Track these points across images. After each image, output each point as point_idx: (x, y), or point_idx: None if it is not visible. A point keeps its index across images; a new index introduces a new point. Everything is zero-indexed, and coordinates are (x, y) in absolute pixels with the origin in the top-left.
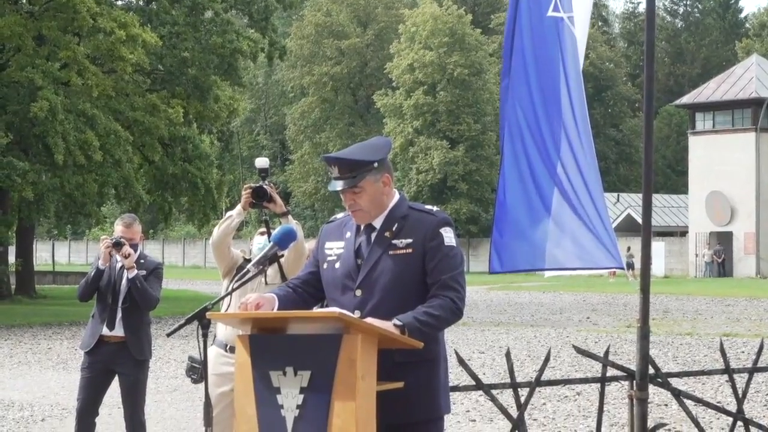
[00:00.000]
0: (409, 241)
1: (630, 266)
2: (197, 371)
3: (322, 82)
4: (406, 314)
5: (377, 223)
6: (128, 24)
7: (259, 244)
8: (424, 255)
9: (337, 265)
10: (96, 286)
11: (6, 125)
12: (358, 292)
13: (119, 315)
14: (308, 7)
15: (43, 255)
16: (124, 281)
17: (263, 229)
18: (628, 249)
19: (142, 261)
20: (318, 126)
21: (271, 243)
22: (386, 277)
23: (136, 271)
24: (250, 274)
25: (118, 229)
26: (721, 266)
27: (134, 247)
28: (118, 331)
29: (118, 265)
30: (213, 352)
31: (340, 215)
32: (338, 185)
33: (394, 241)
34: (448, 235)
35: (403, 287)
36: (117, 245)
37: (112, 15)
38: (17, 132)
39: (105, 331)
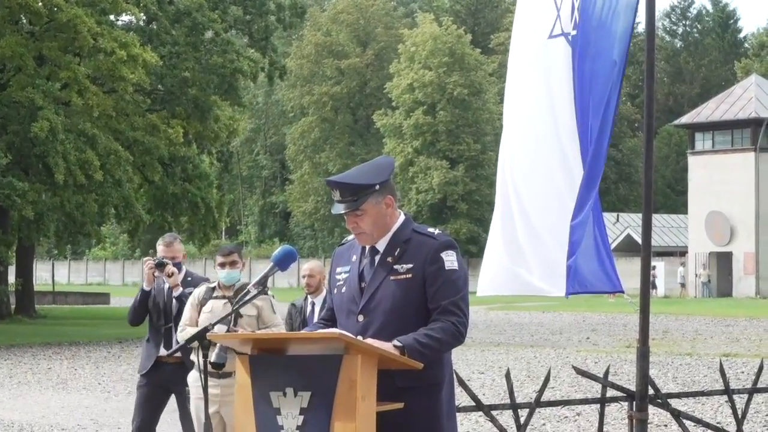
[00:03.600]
0: (410, 266)
1: (653, 286)
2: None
3: (321, 101)
4: (407, 336)
5: (381, 246)
6: (129, 44)
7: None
8: (425, 280)
9: (343, 290)
10: (144, 308)
11: (6, 145)
12: (361, 318)
13: (175, 336)
14: (308, 27)
15: (42, 275)
16: (174, 301)
17: (221, 260)
18: (653, 268)
19: (188, 279)
20: (318, 146)
21: (272, 264)
22: (388, 303)
23: (181, 289)
24: (250, 295)
25: (160, 249)
26: (706, 286)
27: (178, 265)
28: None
29: (166, 285)
30: (194, 375)
31: (350, 237)
32: (340, 208)
33: (396, 266)
34: (450, 259)
35: (405, 312)
36: (160, 266)
37: (112, 35)
38: (18, 152)
39: (162, 352)
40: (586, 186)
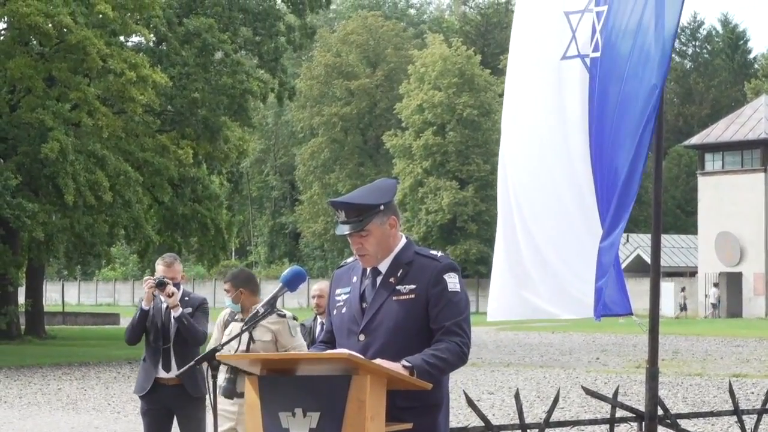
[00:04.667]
0: (413, 287)
1: (683, 308)
2: (232, 381)
3: (331, 122)
4: (414, 356)
5: (383, 267)
6: (138, 65)
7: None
8: (428, 301)
9: (344, 310)
10: (142, 327)
11: (16, 166)
12: (362, 337)
13: (173, 357)
14: (318, 48)
15: (52, 296)
16: (172, 321)
17: (225, 288)
18: (683, 290)
19: (186, 299)
20: (327, 166)
21: (281, 284)
22: (389, 323)
23: (180, 309)
24: (260, 315)
25: (159, 269)
26: (715, 307)
27: (177, 286)
28: (175, 373)
29: (164, 305)
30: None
31: (350, 260)
32: (345, 229)
33: (398, 287)
34: (453, 281)
35: (406, 332)
36: (160, 285)
37: (122, 56)
38: (27, 173)
39: (161, 373)
40: (618, 208)
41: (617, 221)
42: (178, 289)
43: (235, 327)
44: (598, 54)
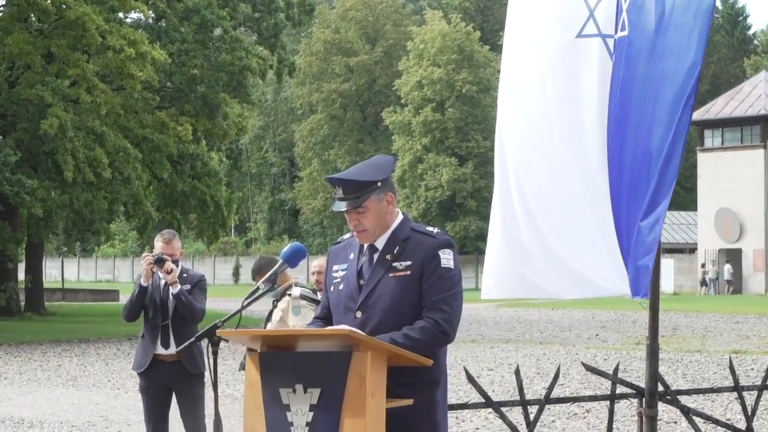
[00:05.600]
0: (409, 263)
1: (703, 283)
2: None
3: (330, 99)
4: (384, 335)
5: (380, 244)
6: (137, 41)
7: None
8: (422, 276)
9: (341, 287)
10: (141, 304)
11: (15, 142)
12: (359, 314)
13: (172, 334)
14: (317, 24)
15: (52, 272)
16: (171, 298)
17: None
18: (703, 266)
19: (184, 275)
20: (327, 143)
21: (281, 260)
22: (386, 299)
23: (179, 286)
24: (260, 292)
25: (158, 245)
26: (713, 283)
27: (175, 262)
28: (174, 350)
29: (163, 282)
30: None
31: (347, 236)
32: (342, 206)
33: (395, 264)
34: (446, 257)
35: (402, 309)
36: (159, 261)
37: (121, 32)
38: (27, 149)
39: (159, 350)
40: (658, 186)
41: (658, 199)
42: (177, 266)
43: (275, 312)
44: (625, 33)
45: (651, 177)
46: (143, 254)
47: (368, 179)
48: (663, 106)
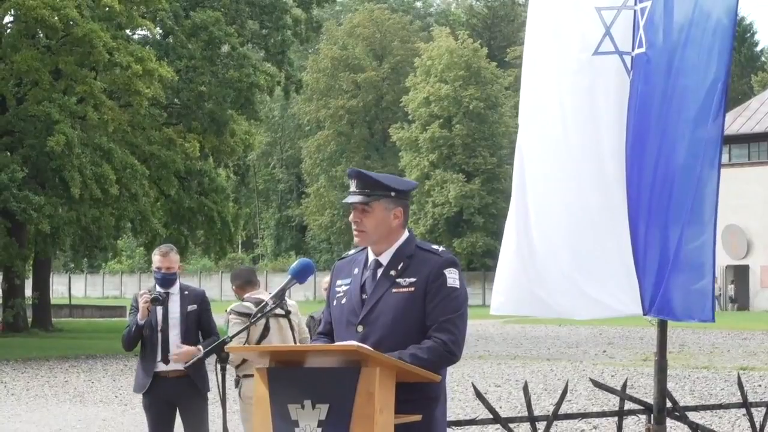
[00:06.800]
0: (413, 279)
1: (733, 300)
2: None
3: (338, 115)
4: (393, 352)
5: (384, 259)
6: (145, 58)
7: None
8: (426, 294)
9: (343, 301)
10: (139, 337)
11: (23, 159)
12: (360, 328)
13: (171, 348)
14: (324, 41)
15: (59, 288)
16: (170, 337)
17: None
18: (732, 282)
19: (185, 292)
20: (334, 159)
21: (290, 276)
22: (388, 315)
23: (194, 358)
24: (268, 308)
25: (156, 259)
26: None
27: (173, 276)
28: (175, 365)
29: (160, 318)
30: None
31: (351, 252)
32: (351, 198)
33: (398, 280)
34: (453, 276)
35: (405, 325)
36: (155, 301)
37: (128, 49)
38: (34, 166)
39: (160, 367)
40: (696, 204)
41: (700, 218)
42: (175, 279)
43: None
44: (642, 50)
45: (676, 194)
46: (140, 292)
47: (384, 182)
48: (686, 121)
